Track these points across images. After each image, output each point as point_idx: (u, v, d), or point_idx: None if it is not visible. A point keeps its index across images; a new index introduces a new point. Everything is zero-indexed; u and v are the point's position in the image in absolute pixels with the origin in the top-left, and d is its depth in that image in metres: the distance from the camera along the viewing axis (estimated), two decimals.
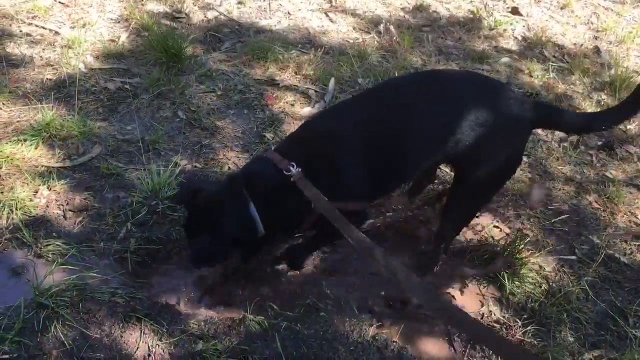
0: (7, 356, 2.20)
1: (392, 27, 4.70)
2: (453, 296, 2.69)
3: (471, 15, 5.30)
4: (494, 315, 2.63)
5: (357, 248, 2.15)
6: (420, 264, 2.79)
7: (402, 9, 5.31)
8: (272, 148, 2.36)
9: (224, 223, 2.25)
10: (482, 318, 2.61)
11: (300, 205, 2.21)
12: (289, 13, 4.92)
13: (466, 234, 3.02)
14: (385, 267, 2.00)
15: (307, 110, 3.74)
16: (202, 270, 2.67)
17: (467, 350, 2.50)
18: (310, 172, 2.21)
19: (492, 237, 2.97)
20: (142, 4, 4.64)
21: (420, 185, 3.10)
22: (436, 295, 2.01)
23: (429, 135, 2.31)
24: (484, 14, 5.28)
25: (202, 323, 2.46)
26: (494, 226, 3.09)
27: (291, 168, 2.18)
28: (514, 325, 2.58)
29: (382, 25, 4.77)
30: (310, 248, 2.73)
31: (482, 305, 2.68)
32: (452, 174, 2.81)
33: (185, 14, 4.62)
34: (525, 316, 2.63)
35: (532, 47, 4.92)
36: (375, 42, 4.65)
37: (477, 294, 2.73)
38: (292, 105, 3.76)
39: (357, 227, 2.11)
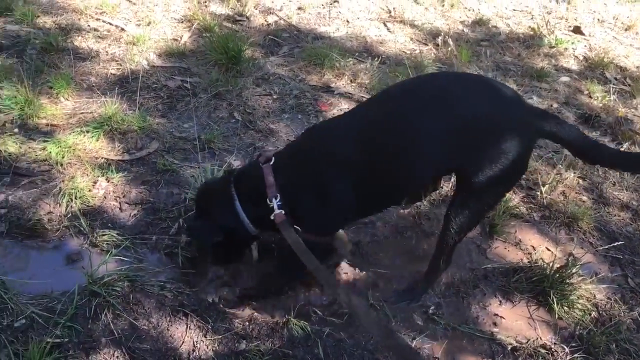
0: (59, 340, 2.27)
1: (450, 40, 4.67)
2: (501, 316, 2.65)
3: (531, 32, 5.23)
4: (541, 339, 2.58)
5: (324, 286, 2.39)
6: (422, 277, 2.73)
7: (462, 22, 5.28)
8: (272, 156, 2.38)
9: (212, 211, 2.43)
10: (528, 342, 2.55)
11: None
12: (347, 21, 4.95)
13: (516, 254, 2.97)
14: (347, 304, 2.09)
15: None
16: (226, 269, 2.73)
17: None
18: (298, 200, 2.29)
19: (542, 259, 2.91)
20: (206, 6, 4.76)
21: (424, 191, 3.05)
22: (391, 332, 2.05)
23: (432, 148, 2.27)
24: (544, 31, 5.19)
25: (247, 323, 2.49)
26: (546, 248, 3.03)
27: (274, 201, 2.26)
28: (561, 352, 2.52)
29: (440, 37, 4.74)
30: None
31: (530, 329, 2.63)
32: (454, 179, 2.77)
33: (247, 17, 4.71)
34: (573, 344, 2.57)
35: (593, 68, 4.82)
36: (432, 54, 4.63)
37: (527, 317, 2.68)
38: None
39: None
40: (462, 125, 2.24)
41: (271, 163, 2.33)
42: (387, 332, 2.01)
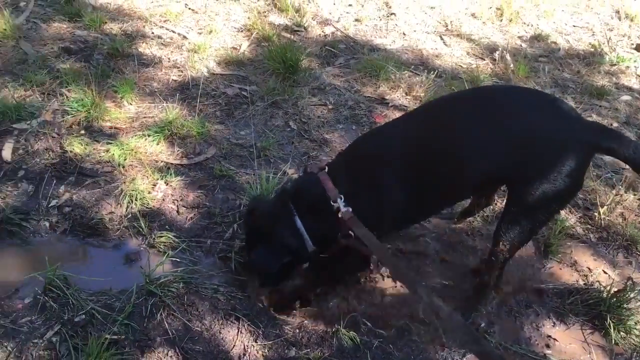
0: (116, 337, 2.34)
1: (507, 55, 4.62)
2: (555, 339, 2.60)
3: (592, 49, 5.12)
4: None
5: (402, 283, 2.21)
6: (472, 294, 2.70)
7: (520, 37, 5.22)
8: (325, 165, 2.42)
9: (274, 232, 2.38)
10: None
11: (336, 229, 2.31)
12: (404, 34, 4.96)
13: (571, 276, 2.91)
14: (428, 305, 1.97)
15: None
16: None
17: None
18: (357, 199, 2.29)
19: (598, 282, 2.84)
20: (265, 16, 4.84)
21: (476, 206, 3.04)
22: (477, 338, 1.93)
23: (480, 154, 2.25)
24: (605, 48, 5.08)
25: (297, 330, 2.52)
26: (602, 271, 2.95)
27: (339, 201, 2.26)
28: None
29: (497, 52, 4.69)
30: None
31: (584, 353, 2.57)
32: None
33: (304, 27, 4.77)
34: None
35: None
36: (489, 69, 4.59)
37: (581, 340, 2.62)
38: None
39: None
40: (513, 136, 2.22)
41: (325, 170, 2.37)
42: (473, 337, 1.92)
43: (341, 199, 2.27)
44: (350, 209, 2.25)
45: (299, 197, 2.40)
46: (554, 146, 2.22)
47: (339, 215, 2.25)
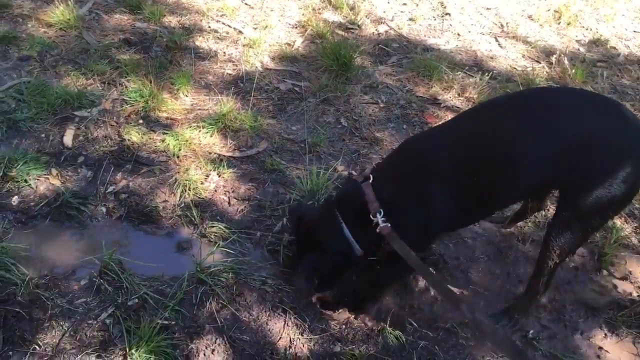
0: (166, 322, 2.41)
1: (565, 59, 4.52)
2: (606, 350, 2.54)
3: None
4: None
5: (443, 299, 2.27)
6: (520, 300, 2.63)
7: (578, 41, 5.09)
8: (370, 173, 2.40)
9: (324, 242, 2.42)
10: None
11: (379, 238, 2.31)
12: (458, 34, 4.90)
13: (625, 287, 2.83)
14: (471, 321, 1.99)
15: None
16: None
17: None
18: (401, 211, 2.29)
19: None
20: (319, 13, 4.87)
21: (528, 210, 2.99)
22: (521, 352, 1.90)
23: (534, 157, 2.20)
24: None
25: (343, 326, 2.53)
26: None
27: (378, 216, 2.26)
28: None
29: (554, 55, 4.59)
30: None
31: None
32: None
33: (358, 25, 4.77)
34: None
35: None
36: (545, 73, 4.49)
37: (634, 353, 2.55)
38: None
39: None
40: (567, 139, 2.17)
41: (370, 181, 2.35)
42: (518, 352, 1.92)
43: (380, 213, 2.27)
44: (389, 225, 2.25)
45: (343, 206, 2.43)
46: (610, 150, 2.17)
47: (377, 230, 2.26)
